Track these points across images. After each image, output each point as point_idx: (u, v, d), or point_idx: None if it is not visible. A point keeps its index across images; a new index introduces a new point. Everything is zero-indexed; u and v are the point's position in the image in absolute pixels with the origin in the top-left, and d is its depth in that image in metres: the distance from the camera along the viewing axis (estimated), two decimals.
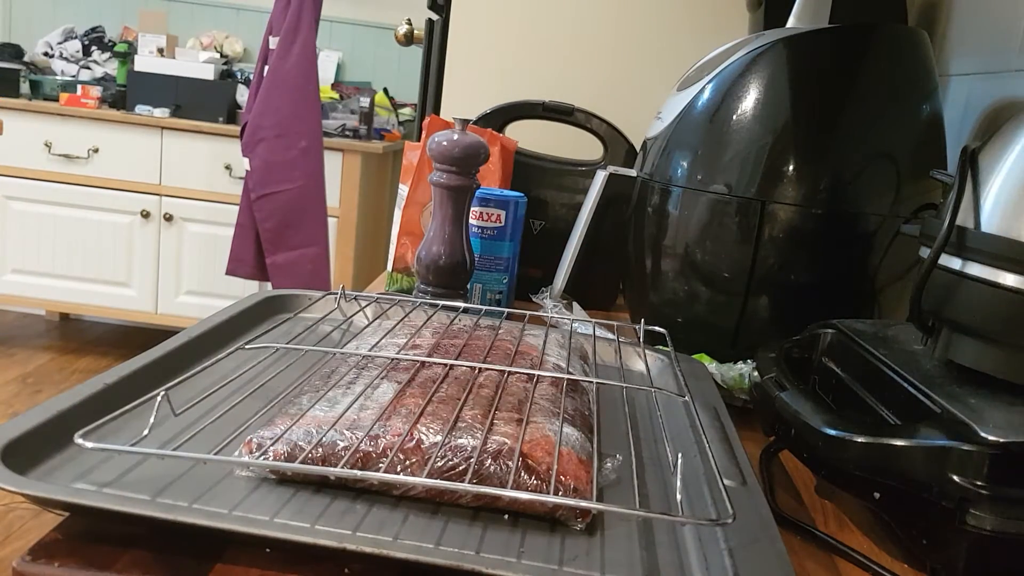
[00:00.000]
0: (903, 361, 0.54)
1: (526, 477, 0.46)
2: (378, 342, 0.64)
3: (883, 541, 0.53)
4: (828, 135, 0.74)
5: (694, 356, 0.75)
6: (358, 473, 0.43)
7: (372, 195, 2.97)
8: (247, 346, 0.61)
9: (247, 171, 2.43)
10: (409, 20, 1.56)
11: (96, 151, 2.77)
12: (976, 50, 0.89)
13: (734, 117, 0.76)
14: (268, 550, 0.41)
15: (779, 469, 0.63)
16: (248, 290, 2.76)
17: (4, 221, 2.83)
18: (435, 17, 1.40)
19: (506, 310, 0.77)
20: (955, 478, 0.44)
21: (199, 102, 2.82)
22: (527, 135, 1.14)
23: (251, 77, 2.61)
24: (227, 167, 2.77)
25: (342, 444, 0.47)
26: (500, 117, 1.10)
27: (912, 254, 0.66)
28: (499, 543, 0.43)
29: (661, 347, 0.74)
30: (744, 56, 0.77)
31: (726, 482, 0.45)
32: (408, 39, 1.54)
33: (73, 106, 2.77)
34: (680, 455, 0.47)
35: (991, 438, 0.43)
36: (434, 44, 1.36)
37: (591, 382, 0.61)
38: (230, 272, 2.55)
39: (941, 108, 0.78)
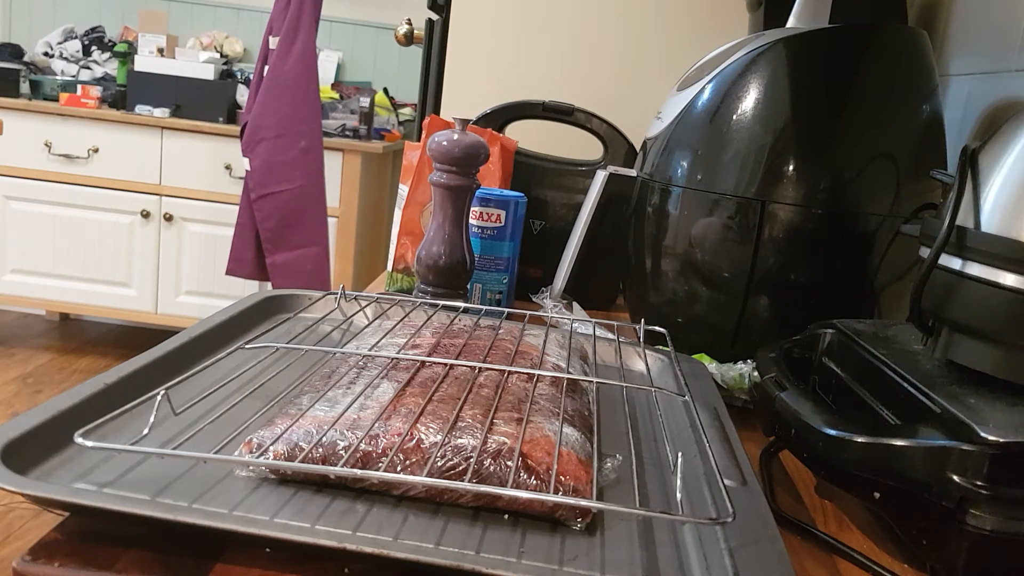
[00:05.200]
0: (903, 361, 0.54)
1: (526, 477, 0.46)
2: (378, 342, 0.64)
3: (883, 541, 0.53)
4: (828, 135, 0.74)
5: (694, 356, 0.75)
6: (358, 472, 0.43)
7: (372, 195, 2.96)
8: (247, 346, 0.61)
9: (247, 171, 2.43)
10: (409, 20, 1.56)
11: (96, 151, 2.77)
12: (976, 50, 0.89)
13: (734, 117, 0.76)
14: (268, 550, 0.41)
15: (779, 469, 0.63)
16: (248, 290, 2.76)
17: (4, 221, 2.83)
18: (435, 17, 1.40)
19: (506, 310, 0.77)
20: (955, 478, 0.44)
21: (199, 102, 2.82)
22: (527, 135, 1.14)
23: (251, 77, 2.61)
24: (227, 167, 2.77)
25: (342, 444, 0.47)
26: (500, 117, 1.10)
27: (912, 254, 0.66)
28: (499, 543, 0.43)
29: (661, 347, 0.74)
30: (744, 56, 0.77)
31: (726, 482, 0.45)
32: (408, 39, 1.54)
33: (73, 106, 2.77)
34: (680, 455, 0.47)
35: (991, 438, 0.43)
36: (434, 44, 1.36)
37: (591, 382, 0.61)
38: (230, 272, 2.55)
39: (941, 108, 0.78)
